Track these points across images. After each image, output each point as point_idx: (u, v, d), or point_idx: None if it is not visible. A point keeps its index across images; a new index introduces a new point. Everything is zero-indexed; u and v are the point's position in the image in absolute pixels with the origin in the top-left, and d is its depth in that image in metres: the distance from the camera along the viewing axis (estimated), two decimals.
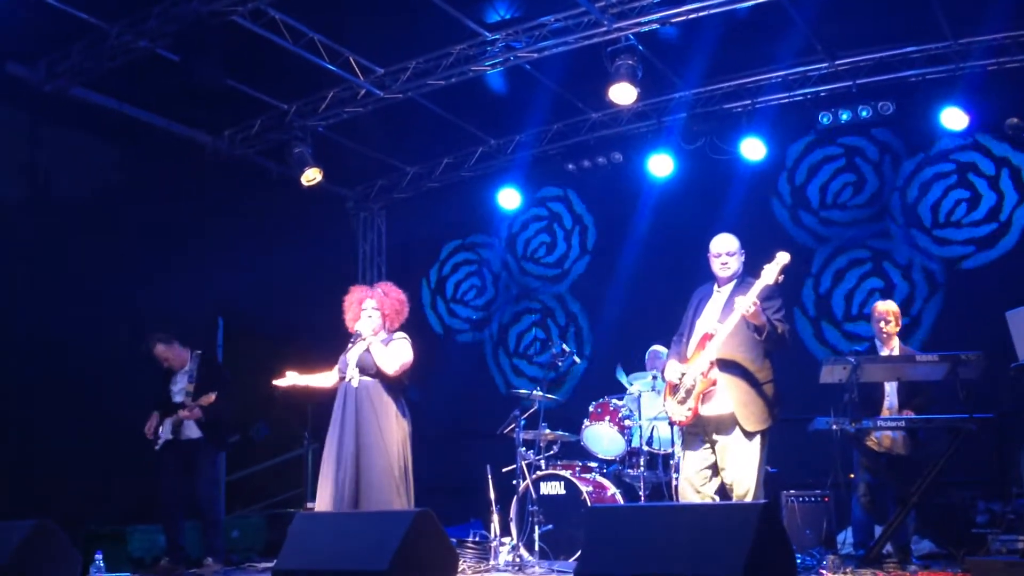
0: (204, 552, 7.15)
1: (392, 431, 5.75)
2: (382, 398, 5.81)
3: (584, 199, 10.59)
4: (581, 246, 10.55)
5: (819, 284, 9.02)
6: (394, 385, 5.89)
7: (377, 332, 5.94)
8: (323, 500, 5.72)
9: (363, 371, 5.83)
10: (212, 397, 7.01)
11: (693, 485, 5.34)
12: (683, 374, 5.34)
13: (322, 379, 6.15)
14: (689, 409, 5.27)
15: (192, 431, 7.10)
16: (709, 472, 5.32)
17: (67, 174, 8.41)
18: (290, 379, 6.15)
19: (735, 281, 5.43)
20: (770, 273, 5.10)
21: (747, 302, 5.02)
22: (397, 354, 5.85)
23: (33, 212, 8.11)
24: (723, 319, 5.27)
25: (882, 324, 6.54)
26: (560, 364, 7.66)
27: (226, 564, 7.29)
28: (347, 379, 5.88)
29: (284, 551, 4.83)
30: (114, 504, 7.96)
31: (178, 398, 7.17)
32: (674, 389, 5.40)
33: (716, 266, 5.49)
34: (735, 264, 5.45)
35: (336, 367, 6.05)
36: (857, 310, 8.76)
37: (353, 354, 5.92)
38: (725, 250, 5.46)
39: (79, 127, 8.54)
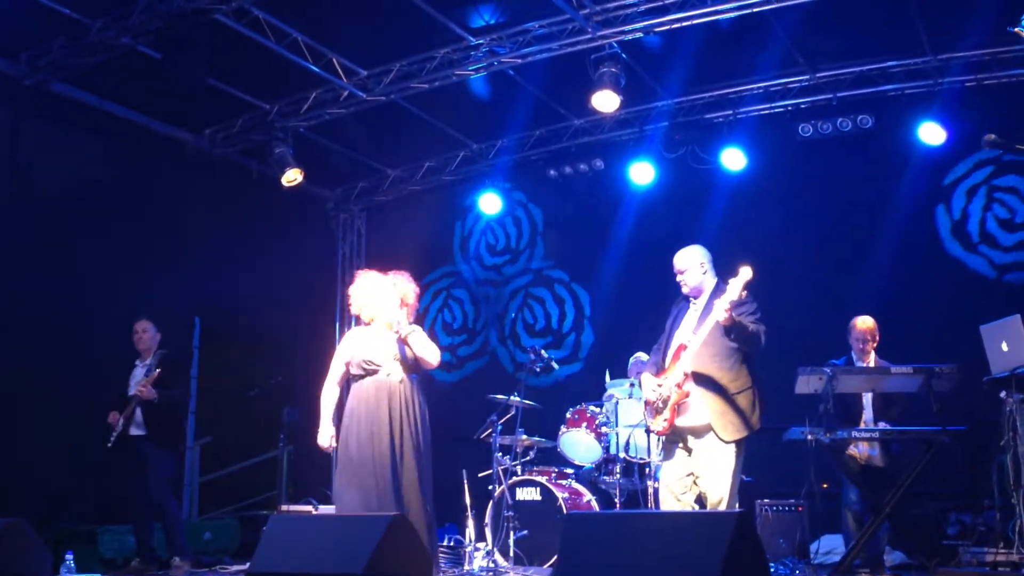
0: (170, 552, 7.11)
1: (426, 428, 5.47)
2: (417, 394, 5.48)
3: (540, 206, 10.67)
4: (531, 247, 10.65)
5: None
6: (423, 380, 5.58)
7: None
8: (351, 503, 5.30)
9: (401, 365, 5.45)
10: (155, 375, 6.96)
11: (674, 493, 5.36)
12: (659, 386, 5.36)
13: (330, 401, 5.62)
14: (665, 420, 5.31)
15: (138, 428, 7.05)
16: (689, 480, 5.34)
17: (47, 169, 8.34)
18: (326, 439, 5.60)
19: (710, 293, 5.45)
20: (734, 289, 5.08)
21: (719, 310, 5.04)
22: (432, 344, 5.51)
23: (12, 206, 8.04)
24: (697, 330, 5.30)
25: (860, 344, 6.61)
26: (537, 369, 7.66)
27: (196, 565, 7.24)
28: (382, 373, 5.44)
29: (258, 553, 4.79)
30: (85, 504, 7.89)
31: (132, 391, 7.13)
32: (651, 402, 5.42)
33: (679, 281, 5.53)
34: (691, 279, 5.45)
35: (337, 365, 5.58)
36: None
37: (384, 346, 5.50)
38: (677, 267, 5.50)
39: (60, 123, 8.47)
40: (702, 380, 5.25)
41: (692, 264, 5.46)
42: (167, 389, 7.05)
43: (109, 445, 6.99)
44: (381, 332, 5.58)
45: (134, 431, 7.03)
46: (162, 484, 7.09)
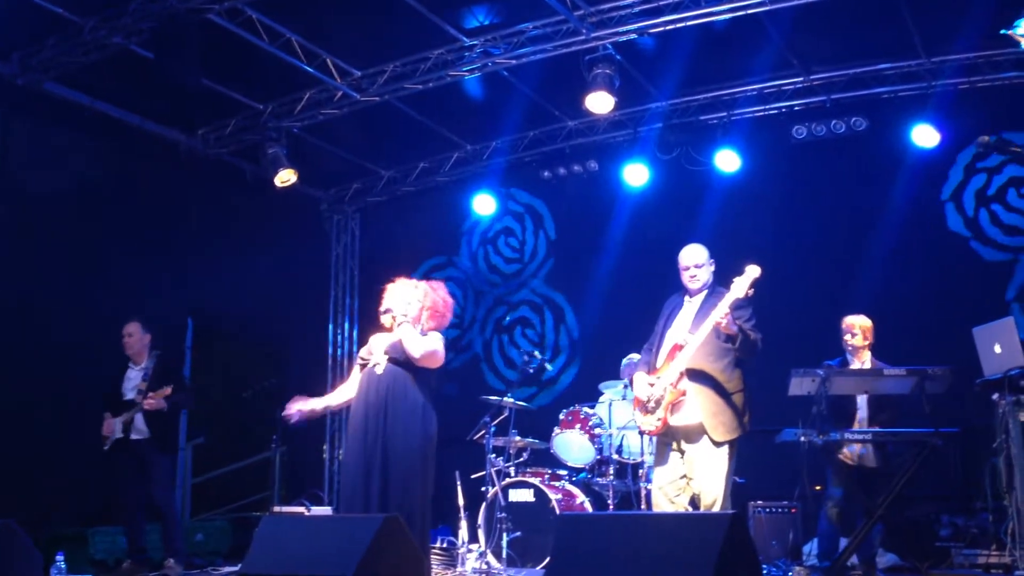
0: (165, 554, 7.08)
1: (415, 424, 5.28)
2: (406, 387, 5.33)
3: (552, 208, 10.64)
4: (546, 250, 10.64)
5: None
6: (421, 378, 5.41)
7: (411, 322, 5.45)
8: (344, 497, 5.37)
9: (390, 358, 5.38)
10: (168, 390, 6.88)
11: (667, 495, 5.35)
12: (652, 385, 5.35)
13: (337, 396, 5.69)
14: (658, 419, 5.29)
15: (141, 431, 6.98)
16: (682, 482, 5.33)
17: (39, 169, 8.30)
18: (301, 406, 5.62)
19: (706, 291, 5.45)
20: (740, 287, 5.10)
21: (718, 314, 5.04)
22: (427, 342, 5.37)
23: (2, 206, 8.00)
24: (694, 330, 5.28)
25: (847, 337, 6.58)
26: (531, 370, 7.64)
27: (188, 567, 7.21)
28: (371, 365, 5.42)
29: (250, 555, 4.77)
30: (76, 505, 7.85)
31: (130, 395, 7.04)
32: (643, 400, 5.41)
33: (685, 278, 5.50)
34: (704, 275, 5.47)
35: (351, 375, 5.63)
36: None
37: (381, 340, 5.50)
38: (693, 262, 5.47)
39: (52, 122, 8.44)
40: (698, 378, 5.24)
41: (706, 260, 5.48)
42: (171, 396, 6.95)
43: (105, 449, 6.95)
44: (394, 332, 5.54)
45: (135, 435, 6.96)
46: (165, 487, 7.08)
